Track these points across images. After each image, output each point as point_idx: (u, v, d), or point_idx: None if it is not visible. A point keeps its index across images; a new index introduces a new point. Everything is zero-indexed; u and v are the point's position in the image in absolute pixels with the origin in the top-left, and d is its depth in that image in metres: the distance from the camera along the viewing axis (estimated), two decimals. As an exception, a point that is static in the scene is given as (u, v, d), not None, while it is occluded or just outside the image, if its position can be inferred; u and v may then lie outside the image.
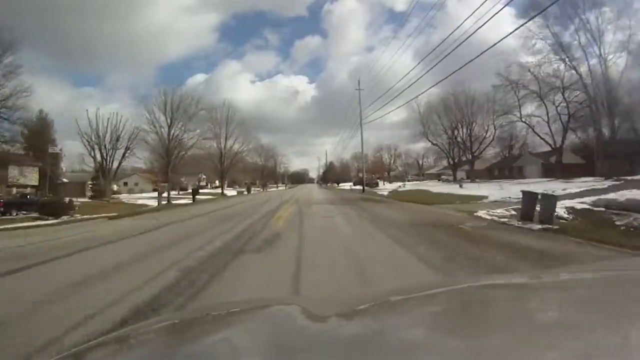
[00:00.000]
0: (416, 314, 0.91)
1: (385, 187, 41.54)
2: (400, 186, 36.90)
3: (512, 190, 21.13)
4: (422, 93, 21.63)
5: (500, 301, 0.95)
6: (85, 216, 17.78)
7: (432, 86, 21.65)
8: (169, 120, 30.24)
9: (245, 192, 46.24)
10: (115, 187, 56.95)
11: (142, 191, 50.68)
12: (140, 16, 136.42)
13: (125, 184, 60.29)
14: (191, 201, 29.18)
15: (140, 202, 33.36)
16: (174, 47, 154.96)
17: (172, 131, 30.34)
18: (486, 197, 16.89)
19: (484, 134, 40.46)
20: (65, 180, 43.71)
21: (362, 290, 3.71)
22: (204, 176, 65.32)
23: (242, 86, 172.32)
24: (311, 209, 15.45)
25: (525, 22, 18.61)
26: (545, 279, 1.13)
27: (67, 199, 21.07)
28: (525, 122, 34.97)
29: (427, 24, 78.50)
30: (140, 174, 56.68)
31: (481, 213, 9.99)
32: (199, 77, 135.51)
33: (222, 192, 37.97)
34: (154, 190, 50.03)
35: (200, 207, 21.52)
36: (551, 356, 0.57)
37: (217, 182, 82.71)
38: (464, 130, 40.53)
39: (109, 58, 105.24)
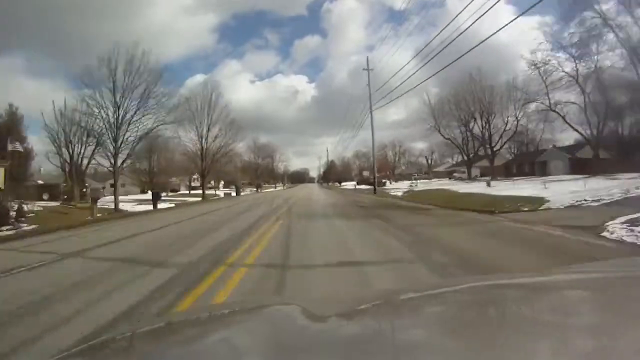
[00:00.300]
0: (416, 314, 0.91)
1: (394, 187, 37.20)
2: (411, 185, 32.65)
3: (557, 189, 16.98)
4: (429, 78, 17.92)
5: (501, 302, 0.93)
6: (31, 227, 13.89)
7: (441, 70, 17.62)
8: (118, 100, 22.35)
9: (234, 194, 40.71)
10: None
11: (127, 193, 46.46)
12: (140, 16, 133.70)
13: (112, 185, 56.23)
14: (153, 208, 24.01)
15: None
16: (174, 47, 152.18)
17: (121, 112, 22.49)
18: (546, 200, 12.62)
19: (504, 126, 36.16)
20: (40, 182, 39.64)
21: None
22: (196, 176, 61.12)
23: (242, 86, 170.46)
24: (311, 232, 8.19)
25: (520, 14, 14.47)
26: (548, 279, 1.10)
27: (15, 205, 17.15)
28: (555, 111, 30.68)
29: (428, 22, 74.01)
30: (129, 175, 52.42)
31: (624, 235, 5.62)
32: (199, 78, 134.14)
33: (204, 195, 32.10)
34: (142, 192, 46.02)
35: (143, 221, 14.25)
36: (553, 357, 0.57)
37: (212, 182, 78.61)
38: (482, 122, 36.20)
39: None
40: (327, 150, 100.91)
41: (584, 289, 0.96)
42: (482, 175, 46.85)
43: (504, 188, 20.43)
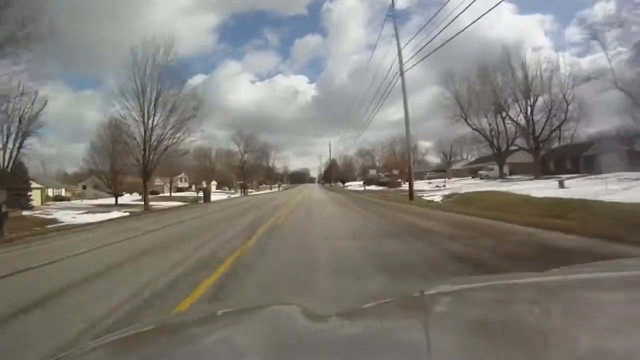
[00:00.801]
0: (419, 313, 0.90)
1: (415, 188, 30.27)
2: (438, 187, 25.87)
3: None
4: (436, 50, 11.98)
5: (502, 302, 0.92)
6: None
7: (442, 45, 12.19)
8: None
9: (203, 200, 30.55)
10: (63, 192, 46.29)
11: (96, 196, 39.85)
12: (140, 16, 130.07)
13: (84, 187, 49.80)
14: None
15: (60, 215, 22.88)
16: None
17: None
18: None
19: (548, 111, 29.25)
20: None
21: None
22: (181, 176, 54.36)
23: (242, 87, 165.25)
24: None
25: None
26: (549, 279, 1.07)
27: None
28: (623, 90, 23.89)
29: (428, 20, 67.21)
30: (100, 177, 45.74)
31: None
32: (199, 78, 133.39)
33: (146, 203, 22.85)
34: (113, 194, 39.36)
35: None
36: (555, 357, 0.57)
37: (203, 182, 71.67)
38: (525, 105, 29.24)
39: (108, 60, 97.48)
40: (330, 145, 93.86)
41: (584, 289, 0.94)
42: (511, 173, 40.09)
43: (590, 190, 13.71)
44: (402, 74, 14.58)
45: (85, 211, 24.62)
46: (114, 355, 0.80)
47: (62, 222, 19.45)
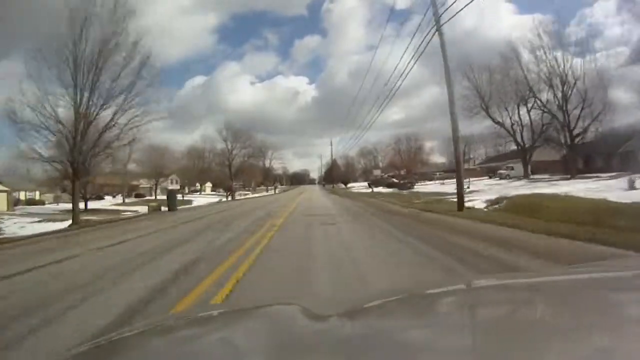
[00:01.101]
0: (418, 314, 0.89)
1: (432, 190, 26.44)
2: (468, 187, 21.94)
3: None
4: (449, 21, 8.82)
5: (503, 302, 0.91)
6: None
7: (453, 16, 8.98)
8: None
9: (167, 208, 22.28)
10: (37, 195, 42.45)
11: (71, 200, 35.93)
12: (139, 16, 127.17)
13: (64, 189, 45.97)
14: None
15: (9, 223, 19.26)
16: (173, 49, 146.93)
17: None
18: None
19: (582, 101, 25.44)
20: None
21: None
22: (172, 177, 50.51)
23: (242, 88, 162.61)
24: None
25: None
26: (550, 279, 1.08)
27: None
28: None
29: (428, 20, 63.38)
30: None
31: None
32: (199, 80, 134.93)
33: (75, 215, 16.84)
34: (82, 198, 35.63)
35: None
36: (556, 357, 0.57)
37: (197, 184, 67.67)
38: (562, 94, 25.35)
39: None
40: (331, 143, 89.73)
41: (585, 289, 0.93)
42: (532, 172, 36.22)
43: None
44: (438, 29, 10.47)
45: (42, 219, 20.85)
46: (113, 356, 0.78)
47: (2, 233, 15.77)
